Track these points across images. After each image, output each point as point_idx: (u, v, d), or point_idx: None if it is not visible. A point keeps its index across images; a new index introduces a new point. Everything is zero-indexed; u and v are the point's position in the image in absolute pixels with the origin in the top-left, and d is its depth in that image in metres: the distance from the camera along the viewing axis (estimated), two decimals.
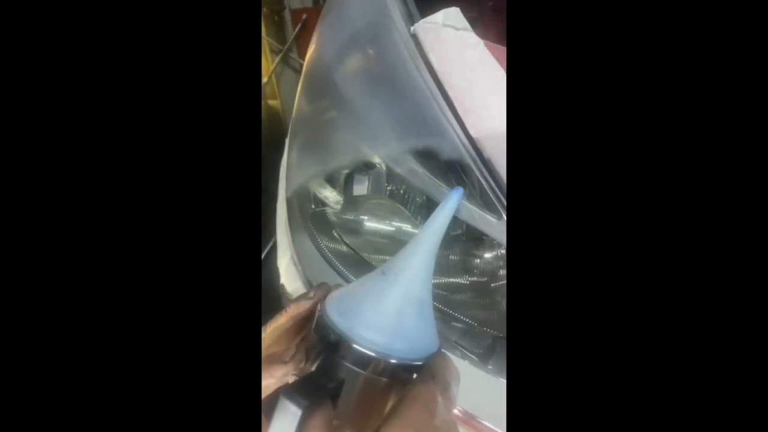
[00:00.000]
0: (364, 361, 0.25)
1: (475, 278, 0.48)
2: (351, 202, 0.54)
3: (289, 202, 0.57)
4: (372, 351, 0.25)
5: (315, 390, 0.23)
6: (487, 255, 0.47)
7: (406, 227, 0.53)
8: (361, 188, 0.52)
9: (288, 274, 0.54)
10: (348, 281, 0.51)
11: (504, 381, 0.43)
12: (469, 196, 0.36)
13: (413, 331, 0.27)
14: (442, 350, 0.28)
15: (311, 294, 0.31)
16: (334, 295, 0.29)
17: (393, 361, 0.25)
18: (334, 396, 0.24)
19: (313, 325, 0.28)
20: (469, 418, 0.42)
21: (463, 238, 0.50)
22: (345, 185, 0.53)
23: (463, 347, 0.47)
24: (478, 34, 0.36)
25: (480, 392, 0.43)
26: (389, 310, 0.27)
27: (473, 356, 0.47)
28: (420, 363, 0.26)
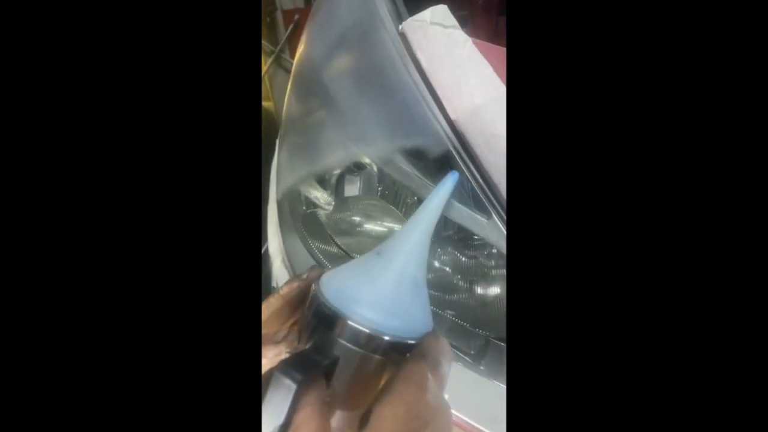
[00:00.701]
0: (358, 337, 0.25)
1: (466, 279, 0.48)
2: (342, 203, 0.53)
3: (279, 203, 0.56)
4: (367, 328, 0.25)
5: (309, 366, 0.23)
6: (478, 255, 0.47)
7: (398, 228, 0.53)
8: (352, 189, 0.52)
9: (279, 276, 0.54)
10: None
11: (496, 383, 0.43)
12: (459, 195, 0.36)
13: (407, 310, 0.27)
14: (435, 331, 0.28)
15: (304, 275, 0.31)
16: (328, 275, 0.29)
17: (387, 338, 0.25)
18: (328, 373, 0.25)
19: (307, 304, 0.28)
20: (460, 421, 0.42)
21: (454, 239, 0.50)
22: (336, 186, 0.53)
23: (455, 348, 0.47)
24: (468, 32, 0.36)
25: (472, 394, 0.43)
26: (384, 289, 0.27)
27: (466, 357, 0.46)
28: (413, 342, 0.26)
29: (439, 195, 0.31)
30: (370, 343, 0.25)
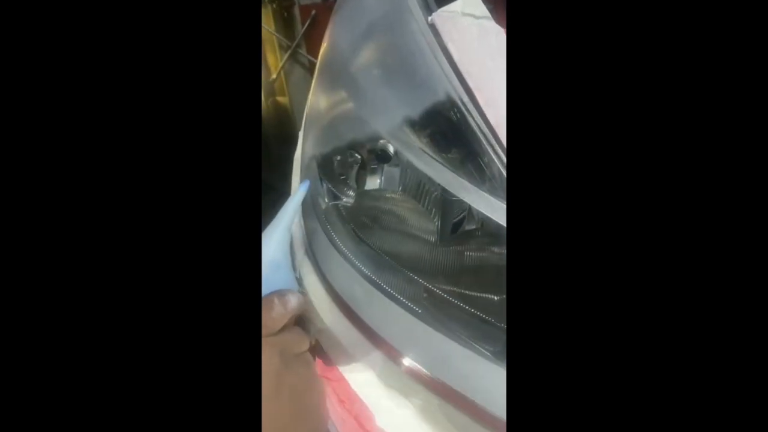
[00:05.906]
0: None
1: (491, 275, 0.48)
2: (364, 196, 0.53)
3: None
4: None
5: None
6: (504, 250, 0.47)
7: (422, 222, 0.53)
8: (372, 183, 0.52)
9: (303, 267, 0.54)
10: (361, 274, 0.51)
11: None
12: (491, 188, 0.36)
13: (272, 285, 0.40)
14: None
15: None
16: None
17: None
18: None
19: None
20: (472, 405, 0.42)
21: (478, 234, 0.50)
22: (358, 179, 0.53)
23: (475, 343, 0.47)
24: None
25: (487, 381, 0.43)
26: None
27: (487, 353, 0.46)
28: None
29: (294, 199, 0.46)
30: None
